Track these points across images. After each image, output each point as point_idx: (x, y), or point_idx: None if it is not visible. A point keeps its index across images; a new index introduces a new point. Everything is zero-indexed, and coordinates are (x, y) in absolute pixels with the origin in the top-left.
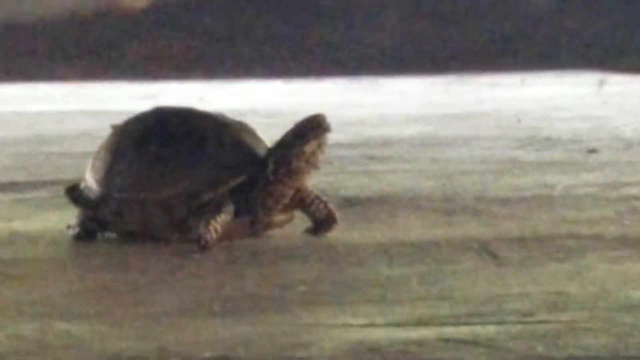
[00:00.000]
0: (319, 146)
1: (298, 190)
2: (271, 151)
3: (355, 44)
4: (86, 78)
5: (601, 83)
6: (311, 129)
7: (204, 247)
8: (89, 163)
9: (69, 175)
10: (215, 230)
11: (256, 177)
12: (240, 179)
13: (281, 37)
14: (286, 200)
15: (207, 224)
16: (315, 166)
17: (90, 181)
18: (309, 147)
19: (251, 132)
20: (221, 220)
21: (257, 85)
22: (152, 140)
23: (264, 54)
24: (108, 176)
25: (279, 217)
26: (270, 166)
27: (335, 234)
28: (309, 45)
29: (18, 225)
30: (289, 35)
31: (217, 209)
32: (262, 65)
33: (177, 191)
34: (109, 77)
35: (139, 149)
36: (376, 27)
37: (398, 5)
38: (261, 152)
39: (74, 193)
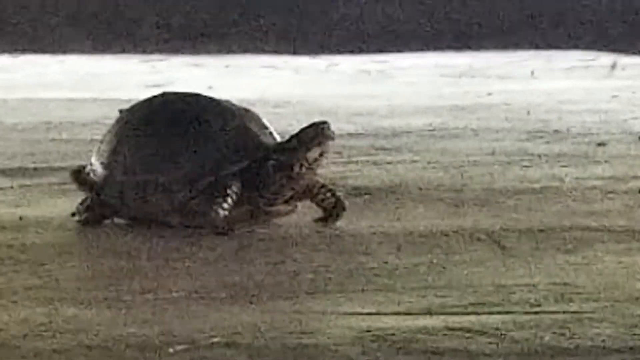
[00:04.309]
0: (322, 154)
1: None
2: (274, 151)
3: (369, 18)
4: (101, 51)
5: (614, 66)
6: (315, 136)
7: (222, 232)
8: (95, 147)
9: (77, 162)
10: (228, 211)
11: (258, 165)
12: (242, 165)
13: (296, 10)
14: (286, 197)
15: (218, 208)
16: (315, 173)
17: (95, 164)
18: (311, 155)
19: (256, 119)
20: (231, 202)
21: (267, 74)
22: (156, 124)
23: (278, 26)
24: (112, 159)
25: (282, 208)
26: (270, 169)
27: (343, 224)
28: (324, 19)
29: (26, 210)
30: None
31: (225, 192)
32: (276, 37)
33: (178, 175)
34: (124, 50)
35: (142, 132)
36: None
37: None
38: (266, 139)
39: (79, 176)
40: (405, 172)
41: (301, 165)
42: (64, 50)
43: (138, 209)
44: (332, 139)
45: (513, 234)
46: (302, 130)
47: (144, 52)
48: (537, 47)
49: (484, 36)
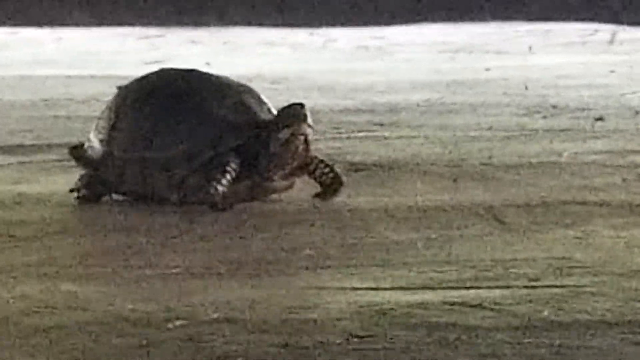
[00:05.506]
0: (295, 135)
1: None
2: (264, 128)
3: None
4: (100, 23)
5: (613, 36)
6: (287, 117)
7: (220, 208)
8: (94, 124)
9: (76, 139)
10: (226, 187)
11: (255, 141)
12: (240, 141)
13: None
14: (281, 174)
15: (217, 184)
16: (295, 155)
17: (94, 140)
18: (283, 135)
19: (254, 95)
20: (229, 178)
21: (264, 51)
22: (155, 100)
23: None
24: (111, 135)
25: (279, 184)
26: (262, 145)
27: (342, 199)
28: None
29: (25, 187)
30: None
31: (223, 168)
32: (276, 9)
33: (176, 151)
34: (122, 22)
35: (141, 108)
36: None
37: None
38: (264, 115)
39: (78, 152)
40: (403, 148)
41: (275, 145)
42: (61, 24)
43: (136, 186)
44: (304, 121)
45: (511, 208)
46: (280, 110)
47: (144, 24)
48: (536, 18)
49: (482, 8)
